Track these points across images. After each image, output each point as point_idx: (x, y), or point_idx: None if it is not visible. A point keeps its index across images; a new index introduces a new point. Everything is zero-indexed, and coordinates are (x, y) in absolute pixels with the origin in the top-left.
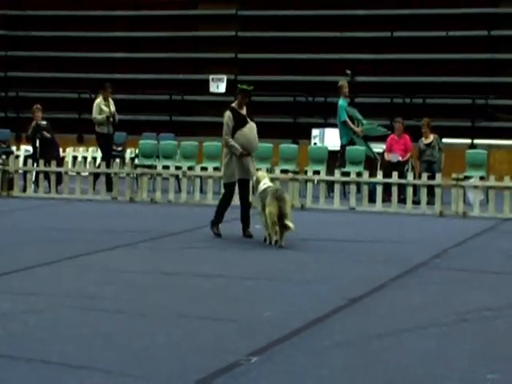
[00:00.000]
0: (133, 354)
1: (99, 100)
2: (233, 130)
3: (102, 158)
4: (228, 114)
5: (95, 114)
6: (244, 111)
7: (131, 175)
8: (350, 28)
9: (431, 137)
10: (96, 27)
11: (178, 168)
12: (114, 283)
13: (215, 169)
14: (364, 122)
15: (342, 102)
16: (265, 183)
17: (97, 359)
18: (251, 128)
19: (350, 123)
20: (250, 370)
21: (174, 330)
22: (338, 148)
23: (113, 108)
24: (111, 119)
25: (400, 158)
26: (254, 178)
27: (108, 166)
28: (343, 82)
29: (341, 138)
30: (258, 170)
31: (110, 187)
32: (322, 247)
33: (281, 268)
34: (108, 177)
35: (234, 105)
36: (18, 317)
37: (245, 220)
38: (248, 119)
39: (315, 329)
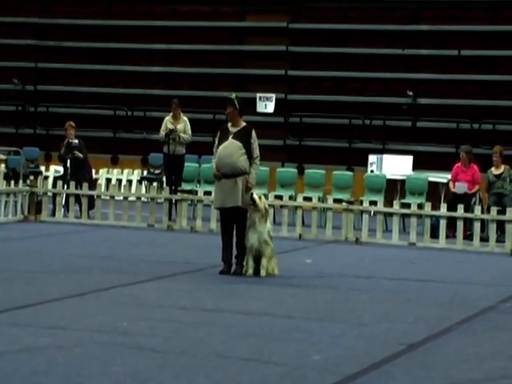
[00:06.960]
0: None
1: (168, 117)
2: (217, 148)
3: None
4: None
5: (160, 131)
6: (237, 127)
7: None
8: (412, 44)
9: (502, 167)
10: (131, 38)
11: None
12: (149, 318)
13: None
14: None
15: None
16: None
17: None
18: (227, 144)
19: None
20: None
21: (214, 372)
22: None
23: (180, 126)
24: (173, 137)
25: (467, 190)
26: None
27: (170, 191)
28: None
29: None
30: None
31: (170, 215)
32: (378, 286)
33: (332, 307)
34: (170, 203)
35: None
36: (43, 352)
37: (236, 255)
38: (231, 136)
39: (370, 376)
